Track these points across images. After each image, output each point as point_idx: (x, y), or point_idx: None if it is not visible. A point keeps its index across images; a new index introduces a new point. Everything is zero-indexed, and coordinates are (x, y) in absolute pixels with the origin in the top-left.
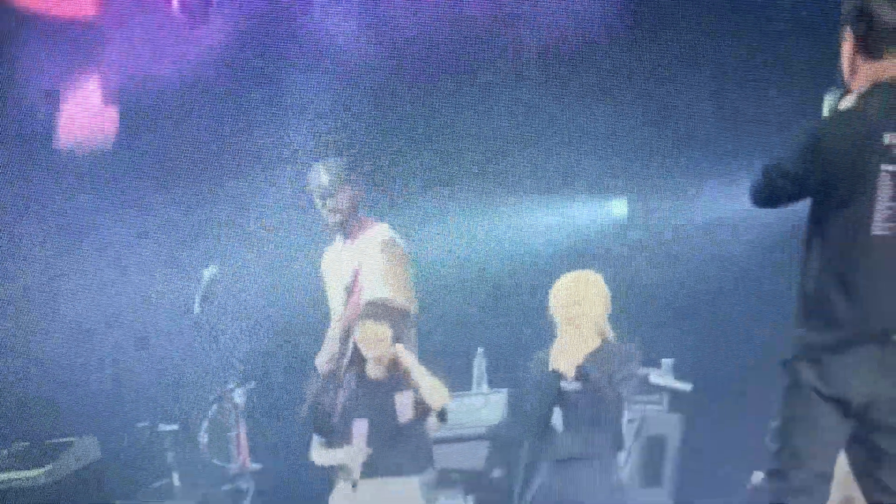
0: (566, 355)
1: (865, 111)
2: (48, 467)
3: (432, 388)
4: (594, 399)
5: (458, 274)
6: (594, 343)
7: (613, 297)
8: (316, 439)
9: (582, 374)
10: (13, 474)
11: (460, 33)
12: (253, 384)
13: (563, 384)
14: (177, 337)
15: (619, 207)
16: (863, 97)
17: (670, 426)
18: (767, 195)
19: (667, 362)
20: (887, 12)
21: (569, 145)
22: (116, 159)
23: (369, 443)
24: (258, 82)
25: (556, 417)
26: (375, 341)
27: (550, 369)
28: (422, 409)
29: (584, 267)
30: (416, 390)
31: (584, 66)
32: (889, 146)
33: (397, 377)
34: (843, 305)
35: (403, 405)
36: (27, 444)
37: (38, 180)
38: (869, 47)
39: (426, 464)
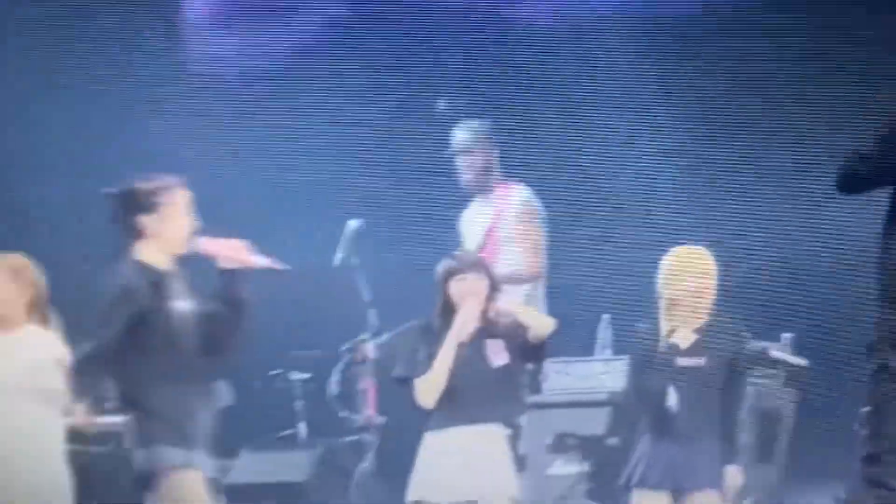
0: (680, 330)
1: None
2: None
3: (535, 318)
4: (710, 375)
5: (587, 239)
6: (703, 318)
7: (730, 272)
8: (416, 384)
9: (696, 348)
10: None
11: None
12: (385, 337)
13: (679, 360)
14: (314, 286)
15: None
16: None
17: (786, 401)
18: (851, 181)
19: (786, 337)
20: None
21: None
22: None
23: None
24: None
25: (672, 393)
26: (469, 294)
27: (666, 343)
28: (517, 353)
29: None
30: (510, 337)
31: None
32: None
33: (489, 327)
34: None
35: (495, 351)
36: None
37: None
38: None
39: (519, 410)
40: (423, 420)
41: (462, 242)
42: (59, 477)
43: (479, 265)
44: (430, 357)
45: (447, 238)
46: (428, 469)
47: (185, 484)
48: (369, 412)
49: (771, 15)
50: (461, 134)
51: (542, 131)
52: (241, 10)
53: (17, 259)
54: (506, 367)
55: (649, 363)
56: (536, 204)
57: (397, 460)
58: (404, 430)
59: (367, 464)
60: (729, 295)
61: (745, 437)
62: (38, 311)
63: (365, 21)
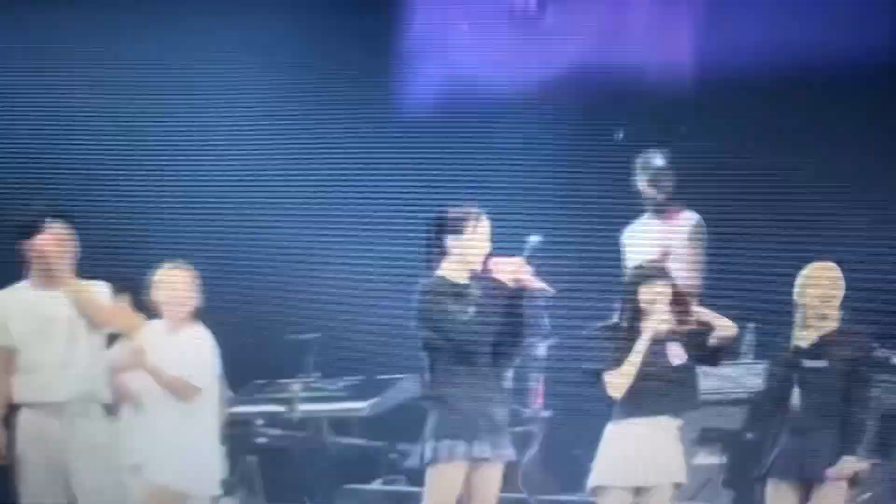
0: (805, 333)
1: None
2: (374, 400)
3: (720, 322)
4: (832, 377)
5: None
6: (832, 325)
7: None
8: (606, 377)
9: (820, 351)
10: (345, 404)
11: None
12: (556, 339)
13: (805, 362)
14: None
15: None
16: None
17: None
18: None
19: None
20: None
21: None
22: None
23: (641, 381)
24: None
25: (796, 392)
26: (659, 299)
27: (793, 346)
28: (696, 354)
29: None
30: (690, 339)
31: None
32: None
33: (674, 330)
34: None
35: (675, 352)
36: (362, 377)
37: None
38: None
39: (693, 404)
40: (597, 413)
41: (623, 253)
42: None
43: (666, 274)
44: (619, 354)
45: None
46: (609, 456)
47: (458, 476)
48: (537, 405)
49: None
50: (656, 157)
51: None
52: None
53: (189, 268)
54: (683, 365)
55: (779, 363)
56: (704, 229)
57: (561, 451)
58: (567, 423)
59: (533, 452)
60: (856, 305)
61: (867, 437)
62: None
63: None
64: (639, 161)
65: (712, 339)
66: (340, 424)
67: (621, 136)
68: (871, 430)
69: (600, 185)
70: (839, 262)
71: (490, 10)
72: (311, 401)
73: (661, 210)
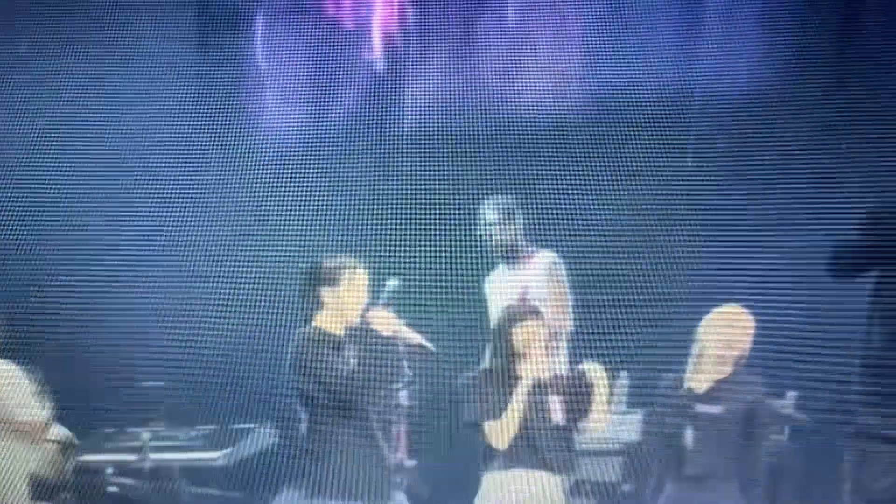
0: (700, 377)
1: None
2: (228, 450)
3: (601, 412)
4: (729, 423)
5: (610, 294)
6: (727, 371)
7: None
8: (487, 427)
9: (715, 397)
10: (197, 454)
11: None
12: (417, 386)
13: (697, 406)
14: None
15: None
16: None
17: (790, 455)
18: (839, 268)
19: (791, 395)
20: None
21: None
22: None
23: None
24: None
25: (688, 436)
26: (536, 340)
27: (685, 388)
28: (574, 415)
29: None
30: (569, 397)
31: None
32: None
33: (554, 381)
34: None
35: (554, 407)
36: (215, 427)
37: None
38: None
39: (571, 466)
40: (463, 463)
41: (488, 303)
42: None
43: (538, 313)
44: (498, 402)
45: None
46: None
47: None
48: (401, 455)
49: None
50: (489, 211)
51: (564, 200)
52: None
53: None
54: (564, 425)
55: (669, 408)
56: (562, 266)
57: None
58: (432, 472)
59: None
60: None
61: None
62: None
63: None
64: (479, 212)
65: (589, 389)
66: (194, 474)
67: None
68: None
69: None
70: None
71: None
72: (162, 450)
73: (512, 257)
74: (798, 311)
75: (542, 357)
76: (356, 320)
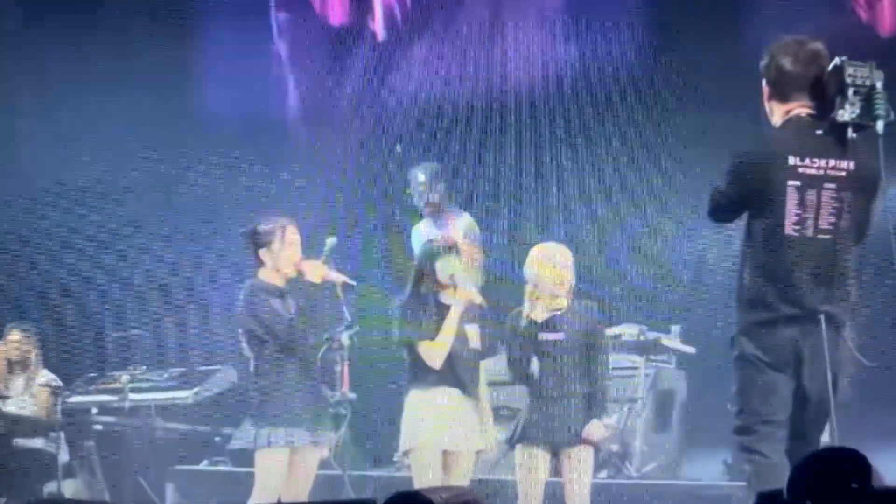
0: (538, 309)
1: (777, 140)
2: (196, 389)
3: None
4: (569, 348)
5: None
6: (563, 302)
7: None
8: (422, 346)
9: (557, 325)
10: (170, 394)
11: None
12: (357, 328)
13: (542, 335)
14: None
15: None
16: (777, 130)
17: (678, 382)
18: (716, 212)
19: (675, 328)
20: (789, 66)
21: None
22: None
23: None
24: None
25: (535, 363)
26: (458, 271)
27: (527, 320)
28: (485, 344)
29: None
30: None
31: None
32: (793, 166)
33: (473, 311)
34: (770, 291)
35: (472, 335)
36: (184, 369)
37: None
38: (779, 92)
39: (480, 389)
40: (396, 393)
41: (413, 245)
42: None
43: (457, 248)
44: (427, 325)
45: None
46: (419, 421)
47: (278, 460)
48: (344, 389)
49: None
50: (420, 173)
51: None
52: None
53: None
54: (479, 351)
55: (517, 338)
56: (477, 229)
57: (369, 429)
58: (372, 403)
59: (342, 431)
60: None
61: (646, 413)
62: None
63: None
64: (410, 174)
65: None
66: (167, 412)
67: (399, 149)
68: (650, 407)
69: (385, 193)
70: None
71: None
72: (139, 391)
73: (435, 215)
74: (688, 253)
75: (465, 287)
76: (293, 273)
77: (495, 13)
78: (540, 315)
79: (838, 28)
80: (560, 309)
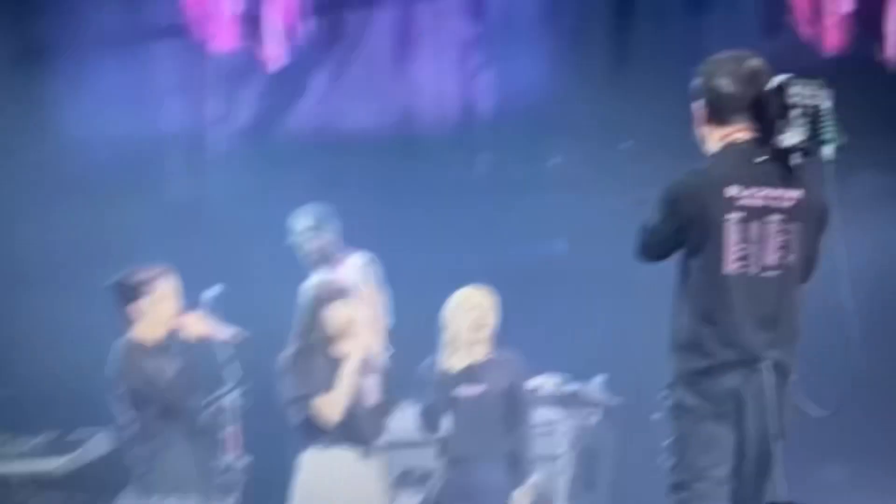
0: (457, 360)
1: (714, 169)
2: (69, 456)
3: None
4: (490, 403)
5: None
6: (483, 352)
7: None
8: (318, 403)
9: (476, 377)
10: (39, 462)
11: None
12: (244, 387)
13: (456, 388)
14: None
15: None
16: (713, 158)
17: (604, 437)
18: (646, 251)
19: (598, 379)
20: (727, 86)
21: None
22: None
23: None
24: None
25: (449, 419)
26: (351, 318)
27: (442, 371)
28: (382, 397)
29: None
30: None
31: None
32: (733, 197)
33: (371, 363)
34: (709, 335)
35: (370, 388)
36: (57, 434)
37: None
38: (716, 115)
39: (381, 446)
40: (303, 440)
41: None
42: None
43: (349, 292)
44: (320, 379)
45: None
46: (312, 483)
47: None
48: (235, 454)
49: None
50: (303, 219)
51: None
52: None
53: None
54: (379, 405)
55: (430, 392)
56: (376, 267)
57: (265, 495)
58: (266, 468)
59: (234, 499)
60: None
61: (571, 470)
62: None
63: None
64: (291, 221)
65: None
66: (38, 481)
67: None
68: (575, 463)
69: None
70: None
71: None
72: (5, 459)
73: (326, 262)
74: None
75: (362, 335)
76: (170, 328)
77: (401, 42)
78: (457, 365)
79: (777, 45)
80: (479, 359)
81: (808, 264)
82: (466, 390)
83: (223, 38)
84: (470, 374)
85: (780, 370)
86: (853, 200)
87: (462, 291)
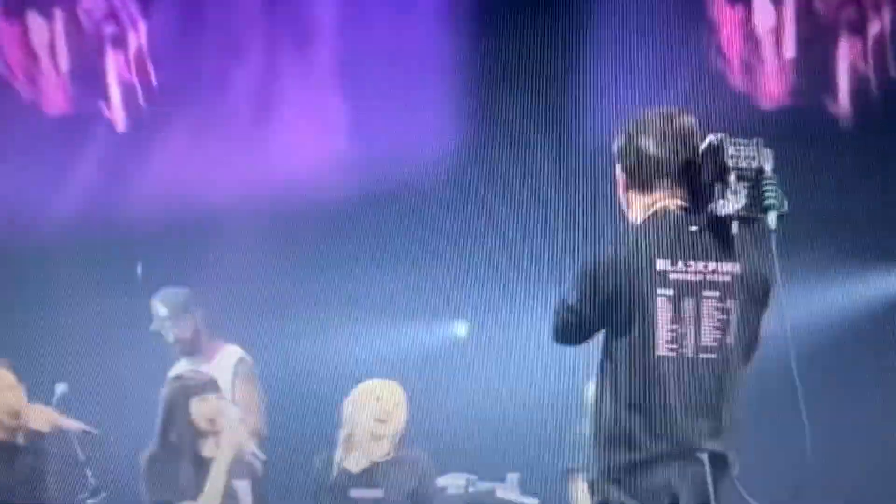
0: (358, 456)
1: (640, 240)
2: None
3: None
4: None
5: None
6: (387, 449)
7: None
8: None
9: (376, 479)
10: None
11: None
12: (103, 494)
13: (353, 491)
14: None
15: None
16: (640, 228)
17: None
18: (564, 333)
19: (512, 477)
20: (653, 147)
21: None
22: None
23: None
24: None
25: None
26: (218, 415)
27: (338, 470)
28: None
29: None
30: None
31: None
32: (663, 271)
33: (244, 465)
34: (638, 426)
35: (242, 491)
36: None
37: None
38: (639, 181)
39: None
40: None
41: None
42: None
43: (216, 385)
44: (187, 482)
45: None
46: None
47: None
48: None
49: None
50: (160, 305)
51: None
52: None
53: None
54: None
55: (323, 492)
56: (250, 362)
57: None
58: None
59: None
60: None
61: None
62: None
63: None
64: (151, 306)
65: None
66: None
67: (140, 271)
68: None
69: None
70: None
71: None
72: None
73: (194, 351)
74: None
75: (233, 433)
76: (11, 423)
77: (267, 101)
78: (355, 465)
79: (707, 99)
80: (382, 458)
81: (749, 345)
82: (364, 493)
83: (54, 100)
84: (370, 474)
85: (720, 463)
86: (799, 273)
87: (366, 383)
